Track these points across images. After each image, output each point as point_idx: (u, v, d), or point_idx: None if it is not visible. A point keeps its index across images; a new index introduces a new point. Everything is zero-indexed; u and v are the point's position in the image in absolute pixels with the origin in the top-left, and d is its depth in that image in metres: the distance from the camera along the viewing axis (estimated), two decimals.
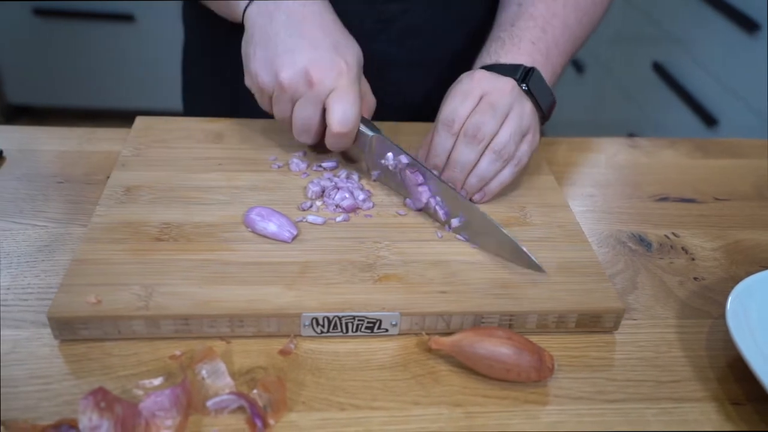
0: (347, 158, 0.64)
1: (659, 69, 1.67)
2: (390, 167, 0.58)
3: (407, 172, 0.57)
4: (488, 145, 0.57)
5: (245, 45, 0.59)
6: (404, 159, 0.57)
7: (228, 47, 0.79)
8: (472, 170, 0.58)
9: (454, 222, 0.56)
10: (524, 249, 0.52)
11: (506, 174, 0.59)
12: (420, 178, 0.57)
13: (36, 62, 2.22)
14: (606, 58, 1.98)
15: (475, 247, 0.54)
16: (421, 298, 0.49)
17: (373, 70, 0.62)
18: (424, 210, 0.58)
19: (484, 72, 0.60)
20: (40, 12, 2.13)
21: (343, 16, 0.60)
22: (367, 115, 0.61)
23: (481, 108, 0.57)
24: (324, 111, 0.56)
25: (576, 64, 2.11)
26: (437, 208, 0.56)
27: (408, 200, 0.58)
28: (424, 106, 0.61)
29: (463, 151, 0.57)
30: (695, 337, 0.52)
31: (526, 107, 0.59)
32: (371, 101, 0.62)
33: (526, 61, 0.62)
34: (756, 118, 1.35)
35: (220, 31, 0.79)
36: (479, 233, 0.55)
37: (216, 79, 0.83)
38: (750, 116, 1.37)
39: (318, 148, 0.64)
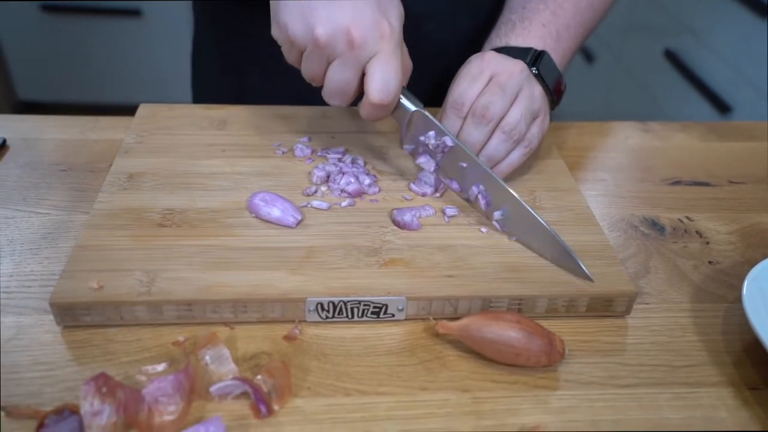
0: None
1: (671, 57, 1.65)
2: (431, 146, 0.55)
3: (449, 154, 0.55)
4: (497, 125, 0.56)
5: None
6: (449, 141, 0.54)
7: (237, 37, 0.78)
8: (480, 151, 0.56)
9: (497, 214, 0.53)
10: (573, 254, 0.50)
11: (516, 156, 0.58)
12: (464, 164, 0.55)
13: (44, 58, 2.22)
14: (617, 47, 1.95)
15: (514, 239, 0.53)
16: (427, 283, 0.48)
17: None
18: (462, 196, 0.56)
19: (493, 53, 0.59)
20: (48, 8, 2.13)
21: None
22: (405, 81, 0.56)
23: (490, 89, 0.56)
24: (362, 75, 0.52)
25: (586, 54, 2.08)
26: (480, 197, 0.54)
27: (413, 185, 0.57)
28: (435, 93, 0.60)
29: (472, 132, 0.55)
30: (710, 322, 0.50)
31: (536, 89, 0.58)
32: (408, 66, 0.57)
33: (536, 44, 0.61)
34: None
35: (229, 21, 0.78)
36: (522, 229, 0.52)
37: (225, 68, 0.82)
38: (764, 102, 1.35)
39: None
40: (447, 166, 0.56)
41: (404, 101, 0.54)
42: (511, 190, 0.53)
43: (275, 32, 0.53)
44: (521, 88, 0.57)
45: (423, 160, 0.56)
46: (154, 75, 2.24)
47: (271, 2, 0.53)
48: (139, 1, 2.14)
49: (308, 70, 0.53)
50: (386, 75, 0.50)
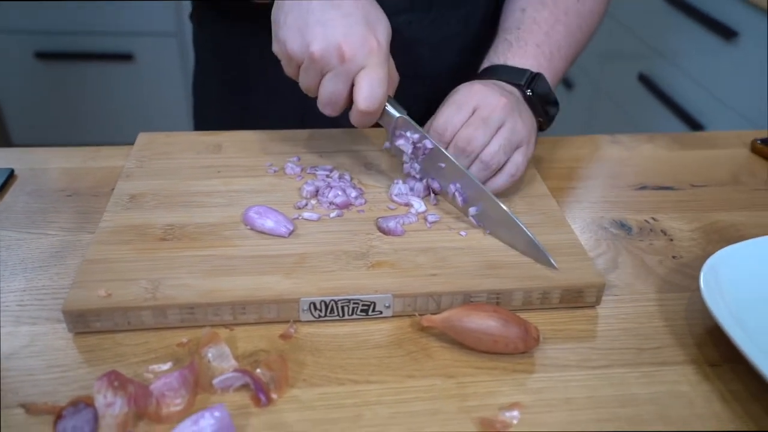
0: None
1: (645, 80, 1.72)
2: (410, 144, 0.60)
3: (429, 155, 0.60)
4: (478, 155, 0.60)
5: (275, 11, 0.59)
6: (428, 143, 0.60)
7: (237, 66, 0.83)
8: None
9: (472, 210, 0.59)
10: (538, 243, 0.54)
11: (500, 182, 0.61)
12: (442, 164, 0.60)
13: (39, 103, 2.27)
14: (594, 74, 2.03)
15: (488, 232, 0.58)
16: (412, 281, 0.52)
17: None
18: (442, 195, 0.61)
19: (481, 85, 0.62)
20: (41, 55, 2.19)
21: None
22: (391, 91, 0.61)
23: (474, 121, 0.60)
24: (352, 86, 0.57)
25: (566, 82, 2.16)
26: (457, 194, 0.59)
27: (394, 195, 0.61)
28: (427, 115, 0.65)
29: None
30: (675, 309, 0.54)
31: (519, 122, 0.61)
32: (395, 78, 0.62)
33: (532, 65, 0.66)
34: (740, 119, 1.39)
35: (229, 51, 0.83)
36: (496, 223, 0.57)
37: (225, 94, 0.87)
38: (734, 118, 1.41)
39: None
40: (427, 166, 0.61)
41: (389, 108, 0.60)
42: (484, 188, 0.58)
43: (275, 48, 0.59)
44: (504, 122, 0.60)
45: (401, 142, 0.61)
46: (147, 115, 2.29)
47: (272, 22, 0.59)
48: (132, 44, 2.20)
49: (305, 82, 0.58)
50: (373, 85, 0.56)
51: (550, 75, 0.68)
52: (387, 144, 0.63)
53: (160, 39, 2.20)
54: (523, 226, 0.55)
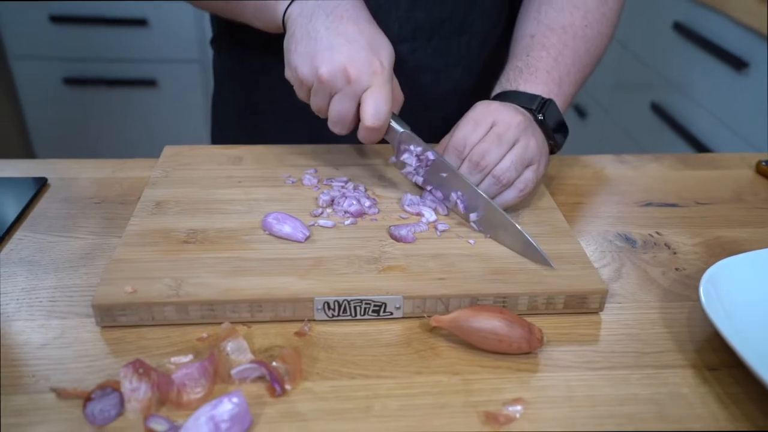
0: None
1: (657, 109, 1.74)
2: (414, 156, 0.64)
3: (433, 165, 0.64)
4: (491, 171, 0.63)
5: (287, 41, 0.63)
6: (431, 155, 0.63)
7: (254, 89, 0.88)
8: None
9: (473, 216, 0.62)
10: (534, 243, 0.57)
11: (510, 196, 0.64)
12: (444, 174, 0.63)
13: (66, 127, 2.34)
14: (607, 104, 2.06)
15: (489, 236, 0.61)
16: (422, 284, 0.54)
17: None
18: (445, 203, 0.65)
19: (498, 104, 0.66)
20: (69, 81, 2.27)
21: None
22: (396, 110, 0.65)
23: (489, 137, 0.63)
24: (359, 106, 0.61)
25: (579, 111, 2.19)
26: (458, 201, 0.63)
27: (406, 205, 0.64)
28: (434, 140, 0.68)
29: (467, 175, 0.63)
30: (676, 317, 0.56)
31: (532, 141, 0.64)
32: (400, 97, 0.66)
33: (542, 91, 0.69)
34: (749, 147, 1.41)
35: (247, 76, 0.88)
36: (495, 227, 0.60)
37: (241, 116, 0.91)
38: (744, 146, 1.43)
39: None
40: (431, 177, 0.65)
41: (394, 124, 0.64)
42: (484, 195, 0.61)
43: (288, 74, 0.63)
44: (518, 139, 0.63)
45: (405, 156, 0.65)
46: (169, 138, 2.33)
47: (284, 50, 0.63)
48: (155, 70, 2.28)
49: (315, 104, 0.63)
50: (378, 103, 0.59)
51: (560, 100, 0.71)
52: (393, 159, 0.67)
53: (183, 65, 2.27)
54: (520, 228, 0.58)
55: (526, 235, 0.58)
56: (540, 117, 0.67)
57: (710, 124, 1.55)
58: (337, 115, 0.62)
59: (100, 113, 2.33)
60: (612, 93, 2.04)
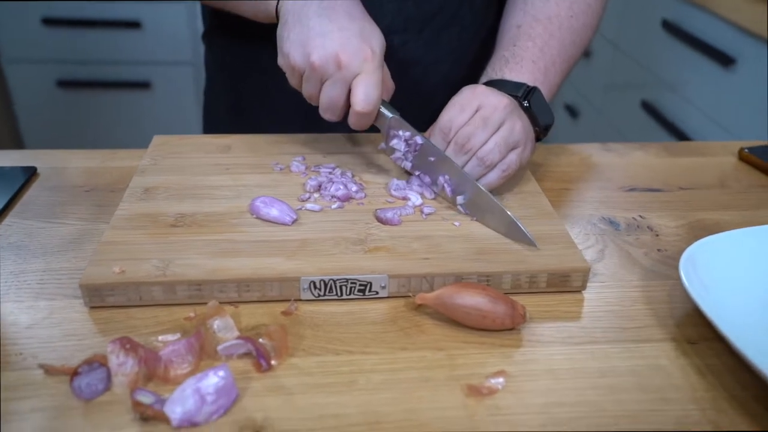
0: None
1: (648, 107, 1.76)
2: (403, 141, 0.65)
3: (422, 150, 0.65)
4: (476, 153, 0.64)
5: (280, 28, 0.64)
6: (419, 139, 0.64)
7: (243, 81, 0.88)
8: None
9: (460, 199, 0.63)
10: (519, 224, 0.58)
11: (492, 177, 0.65)
12: (432, 158, 0.64)
13: (59, 129, 2.34)
14: (598, 102, 2.08)
15: (475, 219, 0.62)
16: (407, 264, 0.55)
17: None
18: (433, 187, 0.65)
19: (484, 87, 0.67)
20: (63, 83, 2.27)
21: None
22: (387, 97, 0.67)
23: (474, 121, 0.64)
24: (349, 92, 0.62)
25: (571, 111, 2.21)
26: (446, 185, 0.63)
27: (392, 190, 0.65)
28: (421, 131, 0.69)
29: (452, 157, 0.64)
30: (658, 295, 0.57)
31: (518, 124, 0.65)
32: (390, 85, 0.68)
33: (528, 79, 0.70)
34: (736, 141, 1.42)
35: (236, 68, 0.88)
36: (481, 210, 0.61)
37: (231, 109, 0.92)
38: (730, 139, 1.44)
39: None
40: (419, 162, 0.65)
41: (384, 110, 0.64)
42: (469, 176, 0.62)
43: (280, 61, 0.65)
44: (503, 122, 0.64)
45: (394, 141, 0.66)
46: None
47: (277, 38, 0.65)
48: (149, 72, 2.28)
49: (306, 90, 0.64)
50: (368, 89, 0.60)
51: (546, 88, 0.71)
52: (383, 145, 0.67)
53: (177, 67, 2.28)
54: (505, 209, 0.59)
55: (511, 216, 0.58)
56: (526, 104, 0.68)
57: (699, 120, 1.56)
58: (329, 101, 0.63)
59: (93, 115, 2.33)
60: (603, 92, 2.05)
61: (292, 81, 0.65)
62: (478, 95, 0.65)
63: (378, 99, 0.61)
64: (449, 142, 0.65)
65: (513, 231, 0.59)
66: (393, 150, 0.66)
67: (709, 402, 0.46)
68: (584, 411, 0.45)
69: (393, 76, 0.67)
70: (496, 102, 0.65)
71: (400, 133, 0.65)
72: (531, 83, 0.70)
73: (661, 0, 1.65)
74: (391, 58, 0.65)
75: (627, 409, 0.45)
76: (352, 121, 0.63)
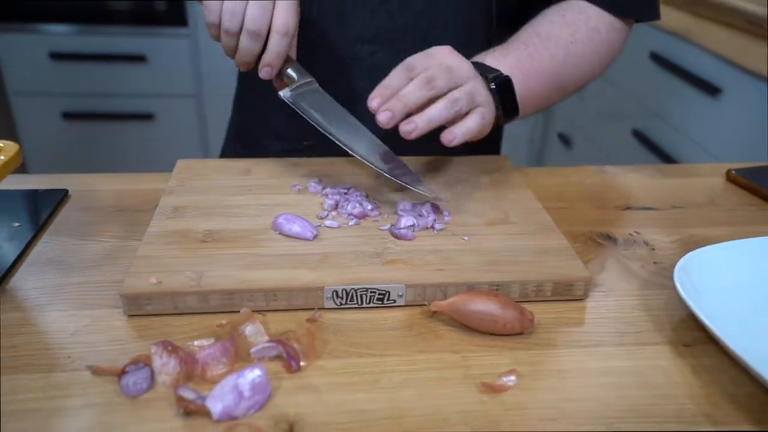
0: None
1: (639, 135, 1.82)
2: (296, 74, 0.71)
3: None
4: (436, 96, 0.63)
5: None
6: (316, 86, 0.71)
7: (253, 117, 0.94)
8: (412, 109, 0.64)
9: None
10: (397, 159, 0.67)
11: (471, 122, 0.64)
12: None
13: (64, 160, 2.39)
14: (591, 132, 2.14)
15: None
16: (422, 274, 0.59)
17: (343, 100, 0.72)
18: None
19: (454, 51, 0.67)
20: (68, 115, 2.32)
21: (320, 51, 0.71)
22: (293, 54, 0.71)
23: (440, 67, 0.64)
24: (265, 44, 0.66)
25: (565, 140, 2.27)
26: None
27: (399, 204, 0.70)
28: (391, 139, 0.69)
29: (414, 92, 0.63)
30: (655, 303, 0.61)
31: (482, 90, 0.66)
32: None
33: (504, 70, 0.70)
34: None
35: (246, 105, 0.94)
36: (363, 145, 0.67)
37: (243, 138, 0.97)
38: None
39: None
40: (322, 108, 0.70)
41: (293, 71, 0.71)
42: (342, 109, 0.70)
43: (206, 19, 0.68)
44: (467, 81, 0.64)
45: (289, 70, 0.71)
46: (166, 169, 2.40)
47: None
48: (152, 105, 2.34)
49: (225, 42, 0.67)
50: (286, 12, 0.65)
51: (523, 89, 0.71)
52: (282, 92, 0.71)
53: (179, 99, 2.34)
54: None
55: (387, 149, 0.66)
56: (492, 86, 0.68)
57: (688, 147, 1.63)
58: (253, 25, 0.64)
59: (98, 146, 2.38)
60: (596, 122, 2.12)
61: (212, 32, 0.68)
62: (447, 54, 0.66)
63: (295, 23, 0.65)
64: (412, 79, 0.64)
65: (397, 170, 0.66)
66: (290, 81, 0.71)
67: (705, 397, 0.50)
68: (591, 405, 0.49)
69: (361, 83, 0.68)
70: (462, 63, 0.65)
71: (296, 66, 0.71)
72: (506, 73, 0.70)
73: (649, 33, 1.72)
74: (359, 65, 0.67)
75: (630, 404, 0.49)
76: (270, 47, 0.66)
